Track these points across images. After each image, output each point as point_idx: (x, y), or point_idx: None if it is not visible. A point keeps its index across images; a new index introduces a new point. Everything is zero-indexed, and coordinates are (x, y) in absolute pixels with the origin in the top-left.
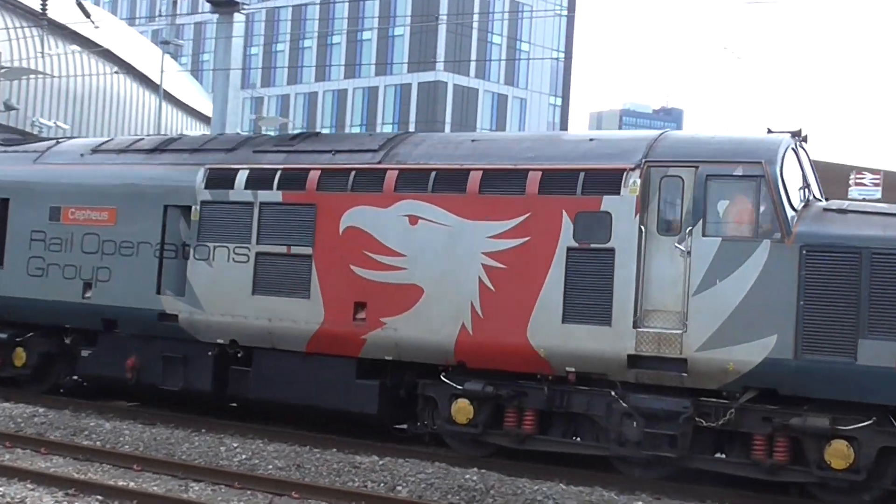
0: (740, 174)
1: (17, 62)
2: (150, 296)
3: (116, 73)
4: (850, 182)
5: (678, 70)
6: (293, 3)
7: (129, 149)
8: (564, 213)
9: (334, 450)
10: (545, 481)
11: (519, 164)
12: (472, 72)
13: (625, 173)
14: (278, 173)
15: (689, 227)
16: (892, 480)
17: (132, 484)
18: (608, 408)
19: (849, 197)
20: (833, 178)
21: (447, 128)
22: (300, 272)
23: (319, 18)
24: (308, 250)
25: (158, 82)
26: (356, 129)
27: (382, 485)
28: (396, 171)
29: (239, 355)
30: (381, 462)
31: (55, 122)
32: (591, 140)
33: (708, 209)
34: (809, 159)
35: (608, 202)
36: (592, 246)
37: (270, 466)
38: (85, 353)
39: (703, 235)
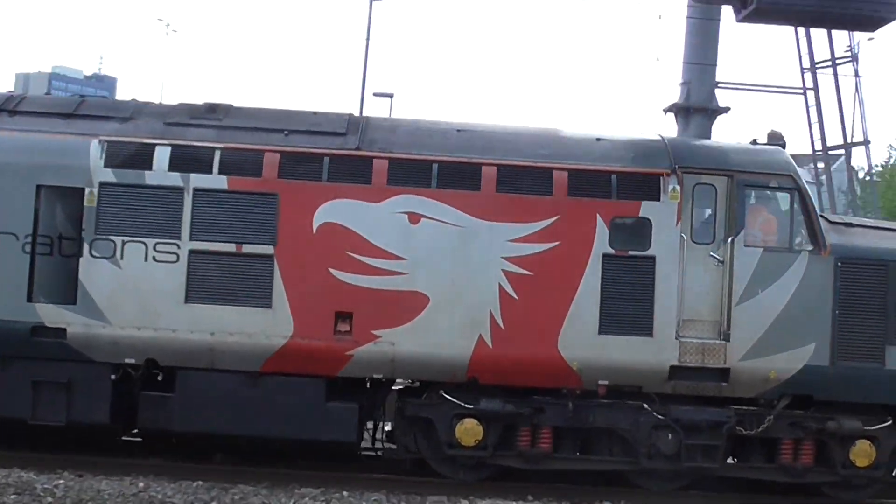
0: (776, 186)
1: None
2: (18, 304)
3: None
4: None
5: (111, 36)
6: None
7: None
8: (599, 217)
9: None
10: None
11: (538, 162)
12: None
13: (661, 178)
14: (218, 153)
15: (728, 237)
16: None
17: None
18: (636, 421)
19: None
20: None
21: None
22: (257, 275)
23: None
24: (268, 249)
25: None
26: None
27: None
28: (386, 161)
29: (159, 377)
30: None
31: None
32: (598, 140)
33: (747, 219)
34: None
35: (648, 208)
36: (631, 253)
37: None
38: None
39: (746, 245)
